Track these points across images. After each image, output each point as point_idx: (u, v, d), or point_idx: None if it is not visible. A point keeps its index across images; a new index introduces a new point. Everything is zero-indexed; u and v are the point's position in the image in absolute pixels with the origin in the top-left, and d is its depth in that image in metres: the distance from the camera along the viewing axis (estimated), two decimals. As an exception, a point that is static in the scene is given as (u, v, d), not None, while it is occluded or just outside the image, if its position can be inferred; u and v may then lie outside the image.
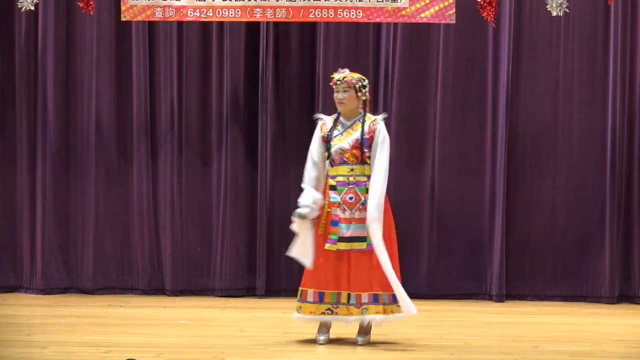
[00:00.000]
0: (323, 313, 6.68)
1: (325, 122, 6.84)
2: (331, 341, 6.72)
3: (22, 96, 8.90)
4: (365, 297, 6.61)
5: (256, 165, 8.85)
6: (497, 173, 8.80)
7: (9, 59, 8.91)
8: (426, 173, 8.91)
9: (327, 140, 6.74)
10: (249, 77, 8.90)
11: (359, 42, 8.90)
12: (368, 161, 6.69)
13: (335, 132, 6.74)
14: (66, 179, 8.93)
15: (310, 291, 6.70)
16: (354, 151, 6.68)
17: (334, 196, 6.68)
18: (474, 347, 6.81)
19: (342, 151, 6.69)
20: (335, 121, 6.80)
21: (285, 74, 8.93)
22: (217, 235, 8.90)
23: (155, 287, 8.94)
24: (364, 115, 6.76)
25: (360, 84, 6.74)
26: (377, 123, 6.72)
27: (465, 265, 8.88)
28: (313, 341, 6.72)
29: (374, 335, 6.80)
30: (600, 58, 8.81)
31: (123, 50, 8.93)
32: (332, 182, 6.71)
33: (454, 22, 8.03)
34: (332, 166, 6.73)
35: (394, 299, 6.64)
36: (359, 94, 6.74)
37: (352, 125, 6.75)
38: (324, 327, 6.75)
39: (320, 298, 6.68)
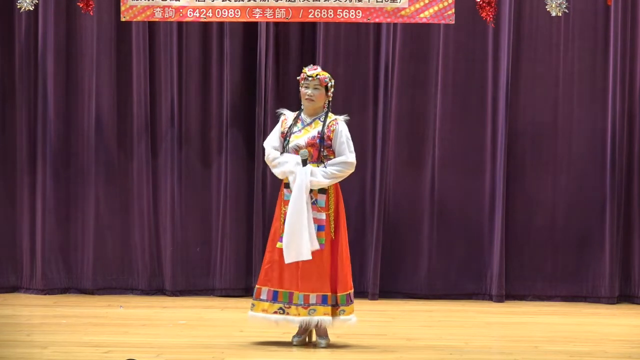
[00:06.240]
0: (275, 312, 6.56)
1: (287, 117, 6.71)
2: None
3: (22, 96, 8.89)
4: (313, 297, 6.48)
5: (255, 165, 8.84)
6: (497, 173, 8.80)
7: (9, 58, 8.90)
8: (426, 173, 8.90)
9: (285, 137, 6.62)
10: (248, 77, 8.90)
11: (359, 42, 8.90)
12: (324, 161, 6.54)
13: (295, 129, 6.62)
14: (66, 178, 8.93)
15: (265, 289, 6.59)
16: (310, 149, 6.53)
17: (287, 194, 6.56)
18: (474, 347, 6.81)
19: (298, 148, 6.54)
20: (296, 118, 6.67)
21: (285, 74, 8.92)
22: (217, 235, 8.90)
23: (155, 287, 8.94)
24: (326, 114, 6.64)
25: (330, 83, 6.65)
26: (336, 123, 6.58)
27: (465, 265, 8.88)
28: (313, 342, 6.70)
29: (373, 336, 6.79)
30: (600, 58, 8.81)
31: (123, 50, 8.92)
32: (286, 179, 6.59)
33: (453, 22, 8.02)
34: None
35: (348, 300, 6.54)
36: (329, 92, 6.64)
37: (311, 122, 6.62)
38: (302, 329, 6.62)
39: (274, 297, 6.57)
